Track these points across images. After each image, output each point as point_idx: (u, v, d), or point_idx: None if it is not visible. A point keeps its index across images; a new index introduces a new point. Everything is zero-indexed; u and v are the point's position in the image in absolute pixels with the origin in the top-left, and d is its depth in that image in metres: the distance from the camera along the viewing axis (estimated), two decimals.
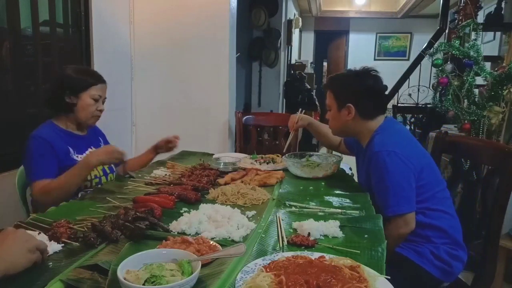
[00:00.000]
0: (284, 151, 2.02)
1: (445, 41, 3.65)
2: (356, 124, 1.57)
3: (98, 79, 1.71)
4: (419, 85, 4.92)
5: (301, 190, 1.57)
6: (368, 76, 1.55)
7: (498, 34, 5.06)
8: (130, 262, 0.83)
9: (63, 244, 0.99)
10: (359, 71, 1.58)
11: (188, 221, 1.12)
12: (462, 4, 3.28)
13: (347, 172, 1.88)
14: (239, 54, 3.71)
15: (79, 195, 1.55)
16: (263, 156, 2.03)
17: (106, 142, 1.94)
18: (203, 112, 3.04)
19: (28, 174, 1.58)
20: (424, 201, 1.45)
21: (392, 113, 4.54)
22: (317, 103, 6.14)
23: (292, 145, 2.66)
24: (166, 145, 2.00)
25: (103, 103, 1.76)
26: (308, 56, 9.12)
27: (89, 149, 1.76)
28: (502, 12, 3.93)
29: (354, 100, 1.54)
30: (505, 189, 1.46)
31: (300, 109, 2.00)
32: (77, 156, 1.69)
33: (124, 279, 0.76)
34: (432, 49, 2.93)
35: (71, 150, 1.66)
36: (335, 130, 1.70)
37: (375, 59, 9.38)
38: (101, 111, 1.74)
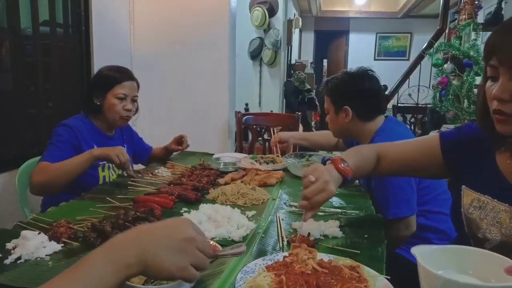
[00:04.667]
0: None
1: (445, 41, 3.65)
2: (355, 126, 1.56)
3: (123, 77, 1.67)
4: (419, 85, 4.92)
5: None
6: (363, 77, 1.53)
7: None
8: None
9: (63, 244, 0.99)
10: (354, 72, 1.56)
11: None
12: (462, 4, 3.28)
13: None
14: (239, 54, 3.70)
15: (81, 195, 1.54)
16: (263, 156, 2.03)
17: (131, 144, 1.92)
18: (203, 112, 3.04)
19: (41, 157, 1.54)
20: (425, 204, 1.44)
21: (392, 113, 4.54)
22: (317, 103, 6.13)
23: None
24: (179, 140, 2.02)
25: (133, 101, 1.71)
26: (308, 56, 9.13)
27: None
28: (502, 12, 3.94)
29: (350, 102, 1.53)
30: None
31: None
32: None
33: None
34: (432, 49, 2.93)
35: (95, 147, 1.62)
36: (335, 133, 1.70)
37: (375, 59, 9.38)
38: (128, 110, 1.70)
